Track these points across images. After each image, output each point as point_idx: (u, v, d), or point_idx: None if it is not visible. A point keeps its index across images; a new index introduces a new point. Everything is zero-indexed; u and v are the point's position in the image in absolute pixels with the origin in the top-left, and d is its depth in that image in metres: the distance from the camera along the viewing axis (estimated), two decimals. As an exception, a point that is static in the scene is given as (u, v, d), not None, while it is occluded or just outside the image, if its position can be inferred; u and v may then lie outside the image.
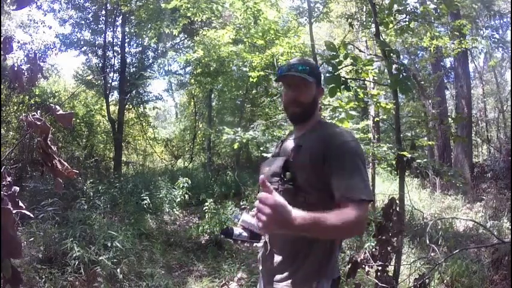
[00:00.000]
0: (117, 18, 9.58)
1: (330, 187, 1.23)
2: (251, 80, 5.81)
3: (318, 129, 1.39)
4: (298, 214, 1.02)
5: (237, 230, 1.40)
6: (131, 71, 10.11)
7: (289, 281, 1.32)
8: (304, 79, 1.37)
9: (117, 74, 9.66)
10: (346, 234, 1.31)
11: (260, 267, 1.49)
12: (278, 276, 1.35)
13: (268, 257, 1.40)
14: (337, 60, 2.46)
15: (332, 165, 1.24)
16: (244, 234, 1.39)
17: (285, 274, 1.34)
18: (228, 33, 5.90)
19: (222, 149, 12.30)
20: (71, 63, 39.97)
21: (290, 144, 1.44)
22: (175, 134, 14.56)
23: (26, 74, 1.22)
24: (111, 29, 9.64)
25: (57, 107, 1.20)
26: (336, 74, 2.43)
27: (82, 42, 9.51)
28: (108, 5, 9.10)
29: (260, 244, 1.50)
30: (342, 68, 2.51)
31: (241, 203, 6.08)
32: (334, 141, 1.28)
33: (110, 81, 9.66)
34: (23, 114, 1.20)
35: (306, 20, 6.26)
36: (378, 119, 5.62)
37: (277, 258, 1.37)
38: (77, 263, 3.38)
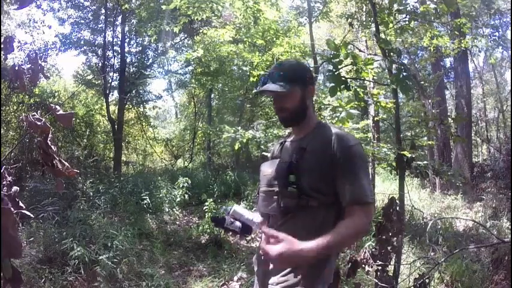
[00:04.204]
0: (117, 18, 9.58)
1: (333, 191, 1.26)
2: (251, 79, 5.82)
3: (320, 132, 1.38)
4: (306, 246, 1.11)
5: (229, 219, 1.36)
6: (131, 70, 10.10)
7: (284, 284, 1.30)
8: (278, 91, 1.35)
9: (117, 74, 9.66)
10: (356, 239, 1.38)
11: (255, 268, 1.49)
12: (272, 279, 1.34)
13: (264, 260, 1.38)
14: (337, 59, 2.46)
15: (338, 169, 1.26)
16: (237, 224, 1.35)
17: (279, 277, 1.32)
18: (228, 32, 5.89)
19: (222, 149, 12.30)
20: (71, 63, 39.99)
21: (292, 146, 1.42)
22: (175, 133, 14.56)
23: (26, 73, 1.22)
24: (111, 29, 9.64)
25: (57, 107, 1.20)
26: (336, 73, 2.43)
27: (82, 42, 9.51)
28: (108, 3, 9.09)
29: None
30: (342, 68, 2.50)
31: (241, 203, 6.08)
32: (340, 146, 1.28)
33: (110, 81, 9.66)
34: (23, 114, 1.20)
35: (305, 19, 6.25)
36: (377, 119, 5.62)
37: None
38: (76, 262, 3.38)
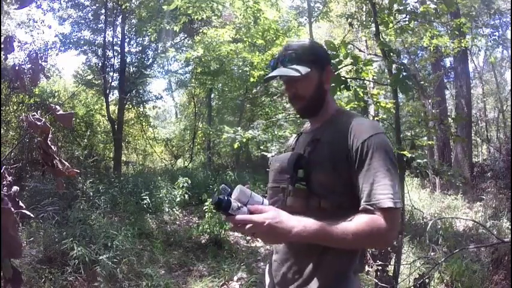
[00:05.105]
0: (117, 18, 9.59)
1: (350, 191, 1.05)
2: (251, 79, 5.82)
3: (338, 120, 1.17)
4: (296, 223, 0.97)
5: (236, 203, 1.03)
6: (131, 70, 10.11)
7: None
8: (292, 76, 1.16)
9: (117, 74, 9.67)
10: (368, 244, 1.12)
11: (267, 281, 1.31)
12: None
13: (281, 272, 1.19)
14: (337, 59, 2.46)
15: (356, 164, 1.04)
16: (244, 210, 1.03)
17: None
18: (228, 32, 5.90)
19: (222, 149, 12.31)
20: (71, 63, 40.00)
21: (306, 138, 1.22)
22: (175, 133, 14.57)
23: (27, 73, 1.22)
24: (111, 28, 9.65)
25: (57, 107, 1.20)
26: (336, 73, 2.43)
27: (82, 42, 9.52)
28: (108, 3, 9.09)
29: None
30: (342, 68, 2.51)
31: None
32: (358, 136, 1.05)
33: (110, 80, 9.67)
34: (23, 114, 1.21)
35: (305, 19, 6.26)
36: (377, 119, 5.61)
37: (282, 270, 1.16)
38: (76, 262, 3.38)
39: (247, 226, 0.95)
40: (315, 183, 1.08)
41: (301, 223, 0.97)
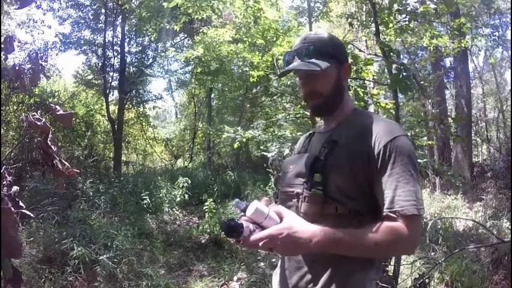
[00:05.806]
0: (117, 17, 9.59)
1: (367, 196, 1.01)
2: (251, 79, 5.82)
3: (355, 120, 1.10)
4: (316, 231, 0.92)
5: (247, 226, 0.91)
6: (131, 70, 10.11)
7: None
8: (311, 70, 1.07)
9: (117, 74, 9.67)
10: (390, 253, 1.09)
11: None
12: None
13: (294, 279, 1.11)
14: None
15: (376, 168, 0.98)
16: (258, 232, 0.92)
17: None
18: (228, 32, 5.91)
19: (222, 149, 12.32)
20: (71, 63, 40.02)
21: (321, 138, 1.15)
22: (175, 133, 14.58)
23: (27, 73, 1.22)
24: (111, 28, 9.66)
25: (57, 107, 1.20)
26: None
27: (82, 42, 9.53)
28: (108, 3, 9.10)
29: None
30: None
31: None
32: (381, 137, 0.99)
33: (110, 80, 9.67)
34: (23, 114, 1.21)
35: (305, 19, 6.26)
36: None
37: (293, 279, 1.08)
38: (76, 262, 3.38)
39: (261, 243, 0.90)
40: (332, 187, 1.01)
41: (321, 232, 0.91)
